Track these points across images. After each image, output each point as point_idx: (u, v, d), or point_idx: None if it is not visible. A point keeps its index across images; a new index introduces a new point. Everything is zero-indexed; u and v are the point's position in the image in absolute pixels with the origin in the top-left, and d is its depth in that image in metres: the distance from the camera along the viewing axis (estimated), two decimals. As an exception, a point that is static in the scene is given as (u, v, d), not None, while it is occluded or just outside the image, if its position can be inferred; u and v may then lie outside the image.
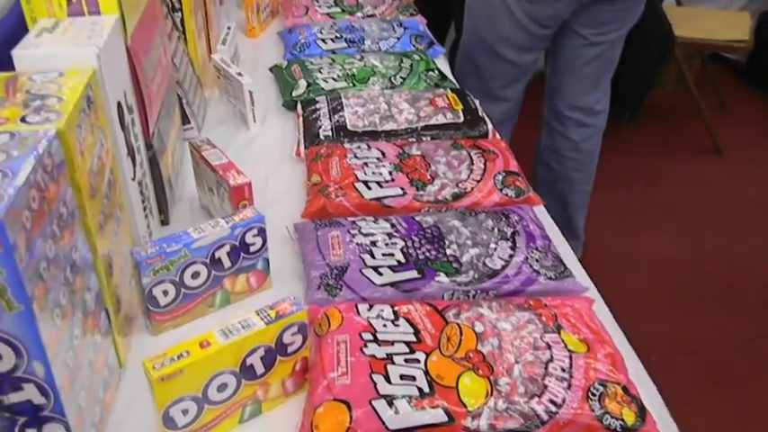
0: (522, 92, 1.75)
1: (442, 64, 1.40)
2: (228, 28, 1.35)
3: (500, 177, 0.97)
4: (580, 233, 1.87)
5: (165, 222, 0.93)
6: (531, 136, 1.85)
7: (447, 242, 0.82)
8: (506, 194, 0.94)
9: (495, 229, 0.85)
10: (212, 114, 1.24)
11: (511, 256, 0.81)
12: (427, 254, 0.80)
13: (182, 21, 1.18)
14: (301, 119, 1.15)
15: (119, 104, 0.74)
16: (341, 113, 1.12)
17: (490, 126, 1.12)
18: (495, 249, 0.81)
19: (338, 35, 1.41)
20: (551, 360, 0.65)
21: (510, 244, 0.83)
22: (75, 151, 0.59)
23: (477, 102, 1.19)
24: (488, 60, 1.68)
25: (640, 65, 2.42)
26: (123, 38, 0.78)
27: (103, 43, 0.69)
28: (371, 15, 1.56)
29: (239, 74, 1.15)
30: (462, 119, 1.12)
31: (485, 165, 0.99)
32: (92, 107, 0.65)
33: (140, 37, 0.84)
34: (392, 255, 0.80)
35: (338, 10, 1.55)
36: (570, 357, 0.65)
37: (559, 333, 0.68)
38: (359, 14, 1.55)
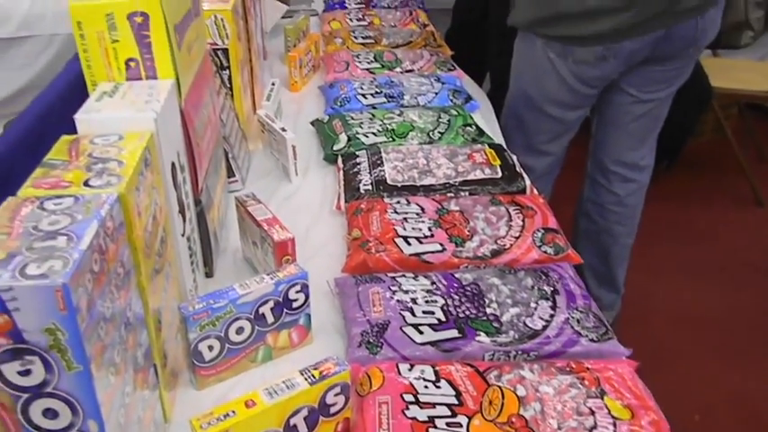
0: (566, 146, 1.73)
1: (480, 119, 1.43)
2: (273, 84, 1.40)
3: (539, 234, 0.97)
4: (620, 287, 1.84)
5: (209, 275, 0.96)
6: (571, 185, 1.85)
7: (487, 300, 0.83)
8: (545, 252, 0.95)
9: (535, 288, 0.85)
10: (256, 167, 1.27)
11: (552, 316, 0.81)
12: (467, 312, 0.81)
13: (229, 78, 1.22)
14: (342, 172, 1.18)
15: (172, 164, 0.77)
16: (381, 168, 1.14)
17: (528, 182, 1.13)
18: (536, 309, 0.81)
19: (378, 90, 1.45)
20: (595, 427, 0.64)
21: (550, 303, 0.83)
22: (133, 213, 0.62)
23: (514, 157, 1.21)
24: (534, 116, 1.65)
25: (678, 114, 2.42)
26: (178, 101, 0.82)
27: (160, 108, 0.73)
28: (410, 70, 1.59)
29: (283, 129, 1.19)
30: (500, 174, 1.13)
31: (523, 221, 1.00)
32: (148, 169, 0.68)
33: (193, 97, 0.88)
34: (432, 313, 0.80)
35: (378, 65, 1.59)
36: (614, 425, 0.65)
37: (603, 398, 0.68)
38: (398, 69, 1.59)
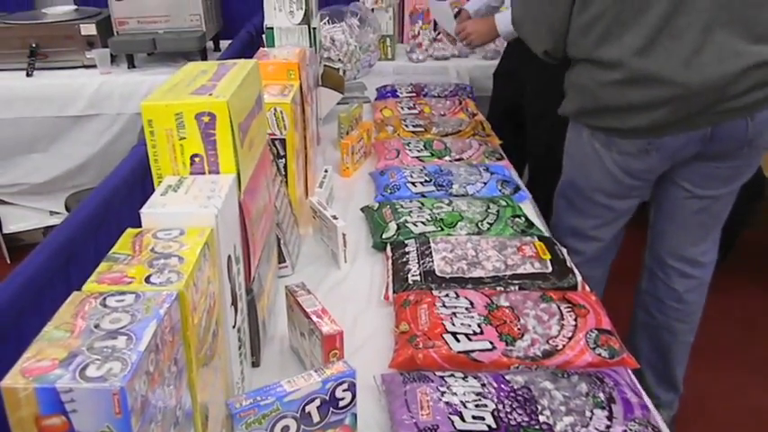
0: (616, 233, 1.69)
1: (529, 208, 1.43)
2: (326, 171, 1.43)
3: (592, 335, 0.95)
4: (679, 386, 1.74)
5: (255, 364, 0.96)
6: (630, 265, 1.80)
7: (539, 407, 0.80)
8: (600, 354, 0.92)
9: (590, 395, 0.82)
10: (306, 251, 1.29)
11: (608, 428, 0.77)
12: (519, 419, 0.78)
13: (285, 165, 1.26)
14: (390, 261, 1.18)
15: (228, 257, 0.79)
16: (429, 258, 1.14)
17: (579, 278, 1.11)
18: (591, 419, 0.78)
19: (427, 179, 1.47)
20: None
21: (606, 413, 0.79)
22: (189, 309, 0.63)
23: (564, 251, 1.19)
24: (582, 201, 1.64)
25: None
26: (237, 194, 0.84)
27: (221, 203, 0.75)
28: (459, 159, 1.62)
29: (334, 217, 1.21)
30: (551, 269, 1.12)
31: (576, 321, 0.97)
32: (207, 264, 0.70)
33: (251, 189, 0.91)
34: (483, 419, 0.78)
35: (428, 154, 1.62)
36: None
37: None
38: (447, 158, 1.61)
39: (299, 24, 1.64)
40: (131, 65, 2.52)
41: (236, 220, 0.84)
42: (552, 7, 1.45)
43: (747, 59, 1.31)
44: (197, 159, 0.83)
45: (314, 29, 1.69)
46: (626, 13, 1.33)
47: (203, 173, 0.84)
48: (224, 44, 2.79)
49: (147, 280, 0.62)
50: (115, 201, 1.14)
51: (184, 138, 0.82)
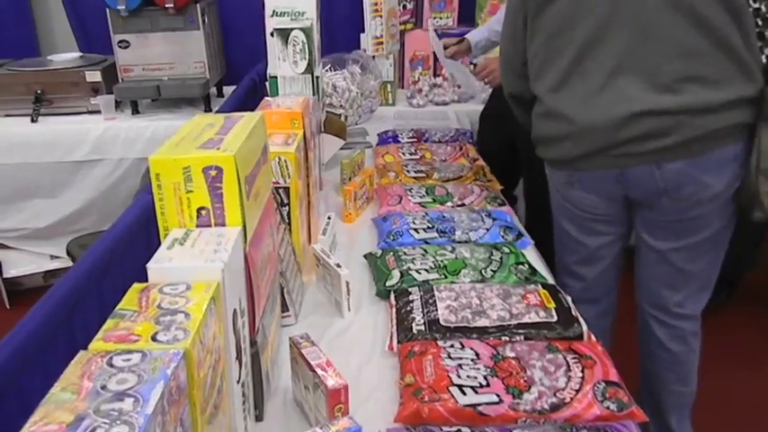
0: (601, 272, 1.67)
1: (531, 255, 1.43)
2: (329, 218, 1.44)
3: (600, 388, 0.94)
4: None
5: (259, 418, 0.94)
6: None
7: (548, 463, 0.79)
8: (608, 407, 0.91)
9: (599, 451, 0.81)
10: (308, 299, 1.29)
11: (618, 485, 0.76)
12: (527, 477, 0.77)
13: (288, 213, 1.27)
14: (394, 310, 1.17)
15: (234, 311, 0.79)
16: (433, 307, 1.14)
17: (585, 327, 1.10)
18: (601, 476, 0.77)
19: (430, 225, 1.47)
20: None
21: (616, 470, 0.78)
22: (195, 367, 0.63)
23: (569, 299, 1.19)
24: (560, 233, 1.67)
25: (734, 246, 2.37)
26: (243, 247, 0.85)
27: (228, 257, 0.75)
28: (461, 205, 1.62)
29: (338, 265, 1.21)
30: (556, 318, 1.11)
31: (583, 372, 0.97)
32: (213, 319, 0.69)
33: (256, 240, 0.91)
34: (491, 476, 0.77)
35: (430, 200, 1.63)
36: None
37: None
38: (449, 204, 1.62)
39: (303, 74, 1.66)
40: (135, 110, 2.55)
41: (241, 272, 0.84)
42: (513, 46, 1.57)
43: (640, 105, 1.33)
44: (203, 212, 0.84)
45: (317, 77, 1.71)
46: (550, 53, 1.45)
47: (209, 225, 0.84)
48: (227, 90, 2.83)
49: (154, 338, 0.62)
50: (118, 251, 1.14)
51: (191, 191, 0.82)
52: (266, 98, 1.51)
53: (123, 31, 2.42)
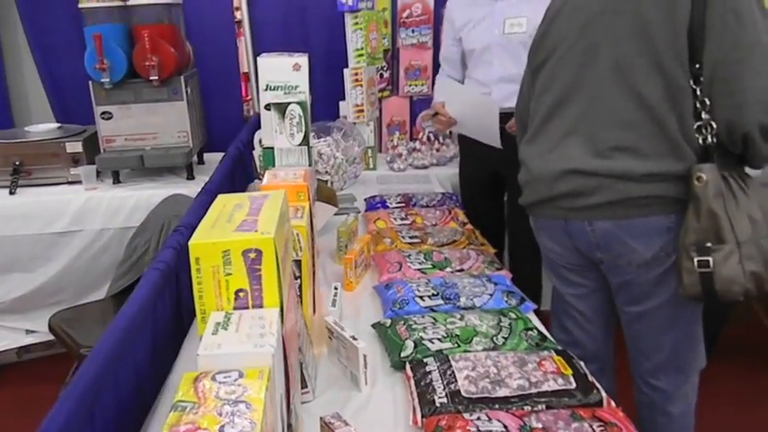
0: (581, 330, 1.73)
1: (535, 319, 1.45)
2: (335, 288, 1.44)
3: (630, 455, 0.95)
4: None
5: (293, 502, 0.92)
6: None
7: None
8: (641, 475, 0.92)
9: None
10: (321, 373, 1.27)
11: None
12: None
13: (299, 286, 1.27)
14: (413, 381, 1.17)
15: (280, 395, 0.78)
16: (453, 378, 1.14)
17: (604, 393, 1.12)
18: None
19: (434, 292, 1.48)
20: None
21: None
22: (262, 459, 0.62)
23: (582, 364, 1.21)
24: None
25: (710, 303, 2.43)
26: (281, 328, 0.85)
27: (275, 341, 0.75)
28: (460, 270, 1.65)
29: (353, 337, 1.21)
30: (574, 385, 1.13)
31: (611, 440, 0.98)
32: (269, 407, 0.69)
33: (288, 320, 0.91)
34: None
35: (429, 265, 1.65)
36: None
37: None
38: (448, 269, 1.64)
39: (300, 145, 1.69)
40: (117, 180, 2.53)
41: (281, 353, 0.84)
42: (521, 103, 1.74)
43: (573, 164, 1.49)
44: (241, 294, 0.84)
45: (311, 148, 1.74)
46: (534, 111, 1.63)
47: (247, 307, 0.84)
48: (208, 157, 2.84)
49: (221, 431, 0.61)
50: (132, 333, 1.12)
51: (230, 273, 0.83)
52: (269, 170, 1.53)
53: (106, 103, 2.42)
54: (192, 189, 2.40)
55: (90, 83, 2.41)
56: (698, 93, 1.35)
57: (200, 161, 2.82)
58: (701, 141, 1.37)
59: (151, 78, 2.36)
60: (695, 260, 1.37)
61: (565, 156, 1.51)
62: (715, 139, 1.36)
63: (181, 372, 1.24)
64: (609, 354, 1.77)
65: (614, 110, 1.45)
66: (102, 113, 2.44)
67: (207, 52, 2.98)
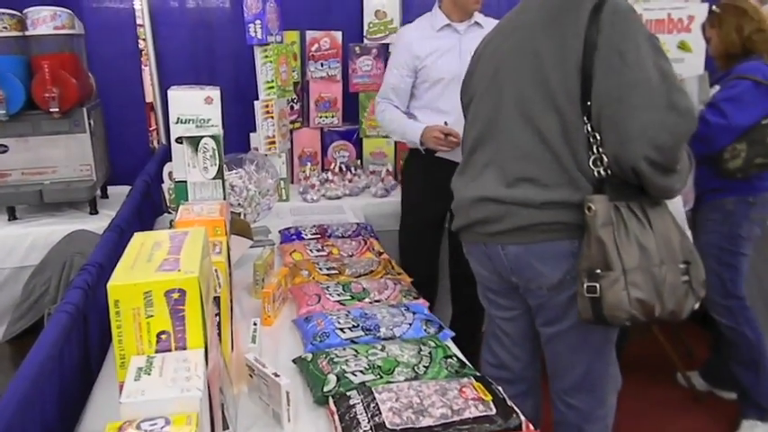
0: (507, 353, 1.80)
1: (453, 346, 1.48)
2: (255, 324, 1.42)
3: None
4: None
5: None
6: None
7: None
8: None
9: None
10: (241, 412, 1.24)
11: None
12: None
13: (218, 324, 1.24)
14: (337, 417, 1.17)
15: (207, 439, 0.76)
16: (377, 410, 1.15)
17: (523, 418, 1.16)
18: None
19: (355, 324, 1.49)
20: None
21: None
22: (194, 508, 0.60)
23: (501, 389, 1.25)
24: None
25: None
26: (205, 369, 0.83)
27: (202, 384, 0.74)
28: (378, 300, 1.66)
29: (275, 374, 1.19)
30: (494, 410, 1.16)
31: (531, 461, 1.01)
32: (198, 453, 0.67)
33: (211, 359, 0.89)
34: None
35: (348, 297, 1.65)
36: None
37: None
38: (367, 300, 1.65)
39: (214, 179, 1.66)
40: (12, 217, 2.38)
41: (207, 396, 0.82)
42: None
43: (485, 192, 1.61)
44: (163, 336, 0.82)
45: (225, 181, 1.72)
46: (463, 144, 1.77)
47: (169, 350, 0.82)
48: (112, 190, 2.73)
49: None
50: (40, 382, 1.05)
51: (152, 315, 0.80)
52: (183, 205, 1.49)
53: (2, 136, 2.28)
54: (96, 224, 2.30)
55: (-17, 115, 2.27)
56: (589, 129, 1.45)
57: (104, 195, 2.70)
58: (595, 173, 1.47)
59: (51, 110, 2.25)
60: (585, 285, 1.46)
61: (481, 185, 1.62)
62: (608, 171, 1.46)
63: (91, 421, 1.18)
64: (535, 375, 1.84)
65: (519, 144, 1.55)
66: (-4, 146, 2.30)
67: (110, 82, 2.88)
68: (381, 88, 2.64)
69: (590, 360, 1.65)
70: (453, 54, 2.44)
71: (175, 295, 0.80)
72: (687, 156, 1.51)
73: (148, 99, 3.21)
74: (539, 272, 1.57)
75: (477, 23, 2.49)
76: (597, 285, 1.43)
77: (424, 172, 2.54)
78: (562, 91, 1.47)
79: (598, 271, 1.44)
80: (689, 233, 1.58)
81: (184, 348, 0.82)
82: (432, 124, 2.41)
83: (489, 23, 2.42)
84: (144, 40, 3.05)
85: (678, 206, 1.63)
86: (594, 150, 1.46)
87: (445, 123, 2.40)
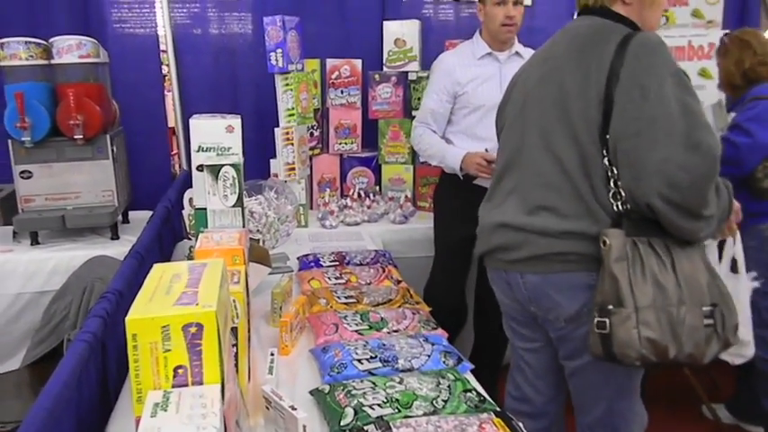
0: (530, 386, 1.76)
1: (472, 379, 1.46)
2: (272, 354, 1.41)
3: None
4: None
5: None
6: None
7: None
8: None
9: None
10: (258, 445, 1.23)
11: None
12: None
13: (236, 354, 1.23)
14: (354, 451, 1.15)
15: (222, 478, 0.75)
16: (394, 445, 1.13)
17: (544, 454, 1.13)
18: None
19: (373, 355, 1.47)
20: None
21: None
22: None
23: (521, 425, 1.22)
24: None
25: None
26: (221, 405, 0.82)
27: (218, 422, 0.73)
28: (396, 330, 1.65)
29: (292, 407, 1.18)
30: (515, 447, 1.14)
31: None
32: (213, 494, 0.66)
33: (227, 390, 0.88)
34: None
35: (366, 327, 1.64)
36: None
37: None
38: (385, 330, 1.64)
39: (233, 207, 1.67)
40: (35, 241, 2.41)
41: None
42: None
43: (505, 219, 1.60)
44: (180, 371, 0.81)
45: (244, 209, 1.72)
46: (493, 171, 1.78)
47: (186, 384, 0.81)
48: (133, 215, 2.76)
49: None
50: (57, 412, 1.05)
51: (169, 350, 0.80)
52: (203, 233, 1.50)
53: (26, 162, 2.33)
54: (117, 250, 2.32)
55: (9, 141, 2.31)
56: (607, 162, 1.44)
57: (125, 220, 2.73)
58: (614, 207, 1.44)
59: (75, 137, 2.29)
60: (595, 320, 1.43)
61: (503, 211, 1.62)
62: (627, 206, 1.43)
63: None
64: (558, 410, 1.80)
65: (541, 172, 1.55)
66: (22, 172, 2.34)
67: (133, 107, 2.93)
68: (419, 113, 2.65)
69: (612, 397, 1.61)
70: (494, 82, 2.46)
71: (193, 329, 0.80)
72: (723, 202, 1.46)
73: (171, 124, 3.26)
74: (556, 302, 1.55)
75: (517, 53, 2.51)
76: (607, 321, 1.40)
77: (457, 197, 2.53)
78: (582, 123, 1.46)
79: (610, 307, 1.40)
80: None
81: (201, 383, 0.81)
82: (471, 150, 2.41)
83: (530, 54, 2.43)
84: (167, 65, 3.10)
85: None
86: (612, 184, 1.44)
87: (486, 150, 2.40)
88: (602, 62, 1.44)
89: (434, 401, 1.30)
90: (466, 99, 2.49)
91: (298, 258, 2.28)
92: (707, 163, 1.35)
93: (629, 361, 1.40)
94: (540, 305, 1.59)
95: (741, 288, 1.81)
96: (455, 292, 2.60)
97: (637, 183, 1.39)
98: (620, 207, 1.44)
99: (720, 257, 1.86)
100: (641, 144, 1.38)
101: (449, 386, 1.35)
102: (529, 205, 1.57)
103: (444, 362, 1.49)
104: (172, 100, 3.12)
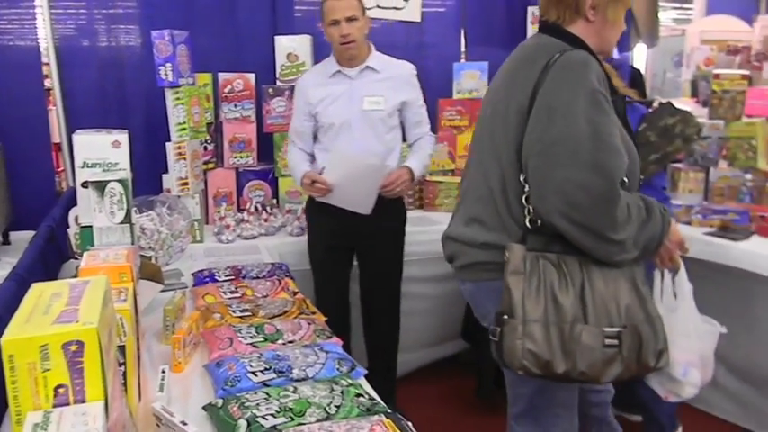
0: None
1: (366, 384, 1.51)
2: (163, 371, 1.40)
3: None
4: None
5: None
6: None
7: None
8: None
9: None
10: (149, 464, 1.22)
11: None
12: None
13: (124, 373, 1.22)
14: (247, 461, 1.17)
15: (106, 494, 0.75)
16: (287, 452, 1.16)
17: (430, 450, 1.20)
18: None
19: (267, 366, 1.49)
20: None
21: None
22: None
23: (410, 424, 1.28)
24: None
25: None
26: (105, 423, 0.82)
27: (101, 437, 0.73)
28: (291, 341, 1.67)
29: (183, 422, 1.18)
30: (403, 446, 1.19)
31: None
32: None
33: (113, 410, 0.88)
34: None
35: (261, 339, 1.65)
36: None
37: None
38: (280, 341, 1.66)
39: (121, 223, 1.64)
40: None
41: (107, 451, 0.81)
42: None
43: (448, 231, 1.74)
44: (61, 390, 0.81)
45: (133, 225, 1.69)
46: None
47: (68, 403, 0.81)
48: (14, 236, 2.62)
49: None
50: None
51: (49, 369, 0.79)
52: (88, 251, 1.46)
53: None
54: (-5, 273, 2.19)
55: None
56: (522, 180, 1.53)
57: (6, 241, 2.59)
58: (526, 222, 1.53)
59: (-54, 153, 2.15)
60: (490, 328, 1.54)
61: (451, 224, 1.76)
62: (538, 223, 1.50)
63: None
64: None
65: (476, 186, 1.66)
66: None
67: (14, 122, 2.79)
68: (289, 131, 2.71)
69: (533, 394, 1.67)
70: (344, 100, 2.51)
71: (73, 347, 0.79)
72: (648, 231, 1.49)
73: (56, 140, 3.12)
74: (487, 309, 1.62)
75: (369, 68, 2.53)
76: (498, 330, 1.49)
77: (321, 212, 2.60)
78: (504, 142, 1.57)
79: (505, 316, 1.48)
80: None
81: (83, 401, 0.81)
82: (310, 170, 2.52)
83: (386, 65, 2.54)
84: (49, 78, 2.98)
85: None
86: (525, 201, 1.52)
87: (323, 168, 2.49)
88: (527, 83, 1.51)
89: (327, 407, 1.33)
90: (319, 118, 2.55)
91: (192, 274, 2.25)
92: (606, 184, 1.40)
93: (514, 369, 1.49)
94: (477, 311, 1.72)
95: (689, 323, 1.62)
96: (334, 299, 2.64)
97: (539, 200, 1.47)
98: (527, 224, 1.52)
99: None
100: (544, 163, 1.45)
101: (342, 392, 1.39)
102: (465, 217, 1.69)
103: (338, 369, 1.53)
104: (56, 114, 3.00)
